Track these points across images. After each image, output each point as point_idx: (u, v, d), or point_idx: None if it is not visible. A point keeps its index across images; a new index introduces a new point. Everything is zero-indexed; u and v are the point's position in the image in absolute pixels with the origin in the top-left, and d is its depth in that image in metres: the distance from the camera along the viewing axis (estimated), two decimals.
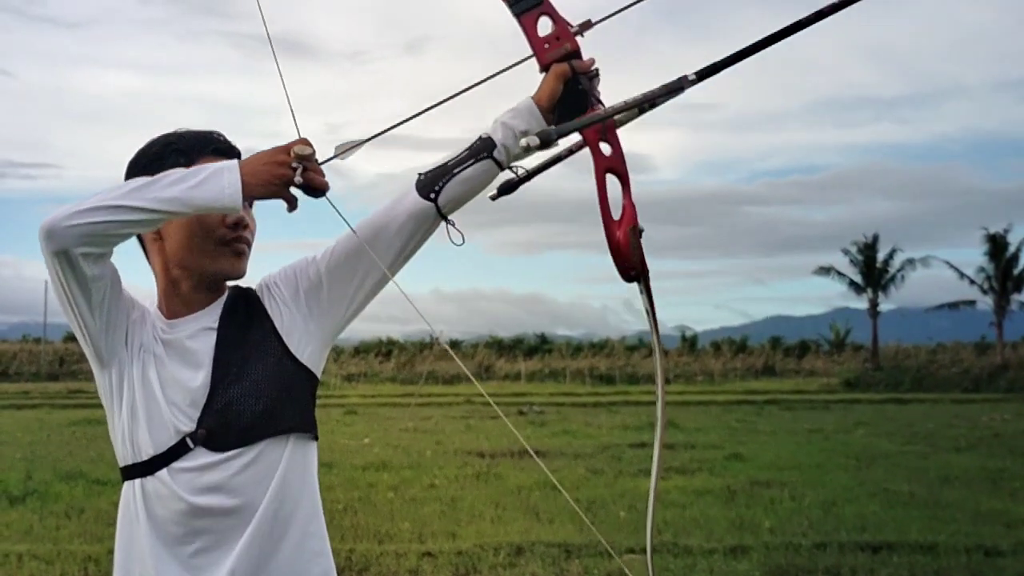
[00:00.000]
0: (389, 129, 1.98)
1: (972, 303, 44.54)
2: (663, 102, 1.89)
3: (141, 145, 2.00)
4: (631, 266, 1.92)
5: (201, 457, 1.85)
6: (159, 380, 1.90)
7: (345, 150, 1.93)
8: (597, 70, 1.99)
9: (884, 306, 47.13)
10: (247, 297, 2.00)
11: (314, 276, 1.99)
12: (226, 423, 1.86)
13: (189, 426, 1.86)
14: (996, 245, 42.97)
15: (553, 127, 1.87)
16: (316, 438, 1.99)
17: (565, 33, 1.98)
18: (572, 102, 1.97)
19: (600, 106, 1.96)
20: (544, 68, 1.98)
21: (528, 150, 1.87)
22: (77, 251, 1.72)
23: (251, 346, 1.92)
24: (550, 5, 1.98)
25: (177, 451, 1.86)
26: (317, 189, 1.82)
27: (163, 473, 1.86)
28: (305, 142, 1.80)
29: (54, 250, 1.72)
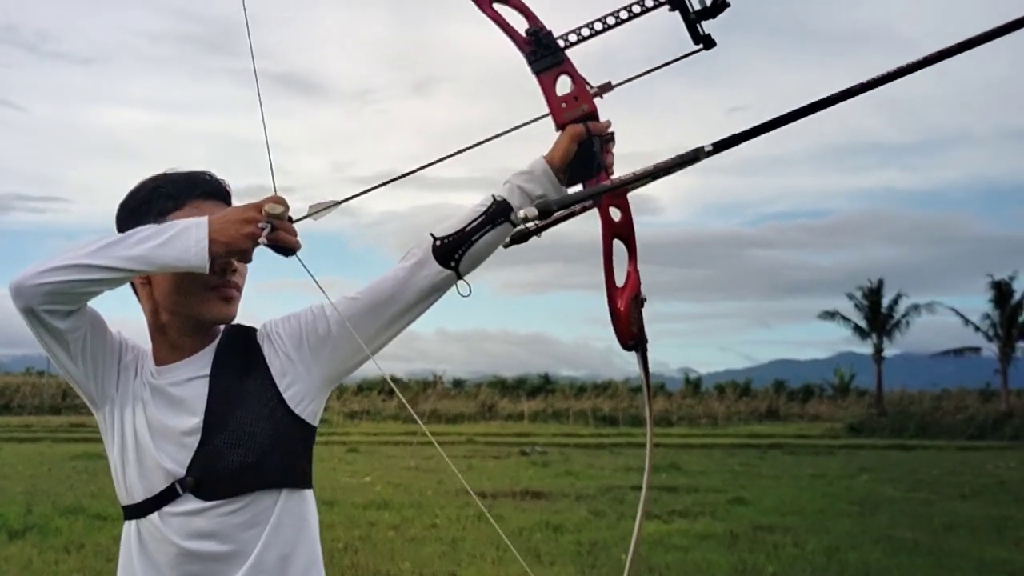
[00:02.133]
0: (362, 193, 1.98)
1: (977, 350, 44.42)
2: (677, 171, 1.85)
3: (139, 177, 1.99)
4: (630, 335, 1.91)
5: (190, 503, 1.85)
6: (148, 425, 1.89)
7: (318, 211, 1.92)
8: (612, 133, 1.96)
9: (889, 351, 46.97)
10: (246, 341, 1.97)
11: (323, 331, 1.94)
12: (215, 472, 1.85)
13: (179, 472, 1.85)
14: (1001, 292, 42.91)
15: (552, 199, 1.83)
16: (310, 487, 1.97)
17: (583, 93, 1.95)
18: (586, 163, 1.94)
19: (612, 172, 1.94)
20: (560, 127, 1.95)
21: (527, 220, 1.82)
22: (42, 308, 1.73)
23: (245, 395, 1.90)
24: (571, 64, 1.96)
25: (167, 496, 1.86)
26: (287, 248, 1.82)
27: (154, 516, 1.86)
28: (278, 200, 1.79)
29: (21, 308, 1.74)
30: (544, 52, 1.95)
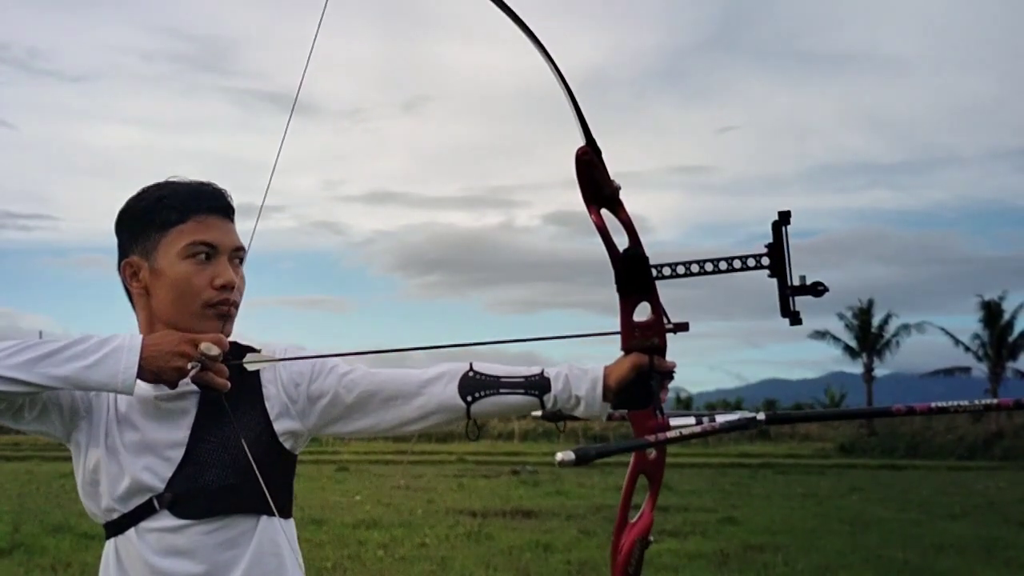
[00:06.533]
0: (296, 358, 1.95)
1: (967, 370, 44.49)
2: (725, 433, 1.84)
3: (133, 193, 1.95)
4: (624, 575, 1.91)
5: (166, 520, 1.83)
6: (126, 439, 1.86)
7: (255, 362, 1.92)
8: (673, 374, 1.94)
9: (879, 371, 47.10)
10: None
11: (326, 388, 1.93)
12: (194, 491, 1.83)
13: (158, 486, 1.83)
14: (991, 312, 43.04)
15: (593, 448, 1.71)
16: (289, 518, 1.96)
17: (659, 328, 1.92)
18: (638, 395, 1.91)
19: (662, 408, 1.91)
20: (625, 351, 1.93)
21: (563, 464, 1.68)
22: None
23: (234, 416, 1.87)
24: (656, 295, 1.92)
25: (144, 511, 1.84)
26: (212, 390, 1.82)
27: (131, 532, 1.84)
28: (216, 341, 1.79)
29: None
30: (634, 276, 1.90)
